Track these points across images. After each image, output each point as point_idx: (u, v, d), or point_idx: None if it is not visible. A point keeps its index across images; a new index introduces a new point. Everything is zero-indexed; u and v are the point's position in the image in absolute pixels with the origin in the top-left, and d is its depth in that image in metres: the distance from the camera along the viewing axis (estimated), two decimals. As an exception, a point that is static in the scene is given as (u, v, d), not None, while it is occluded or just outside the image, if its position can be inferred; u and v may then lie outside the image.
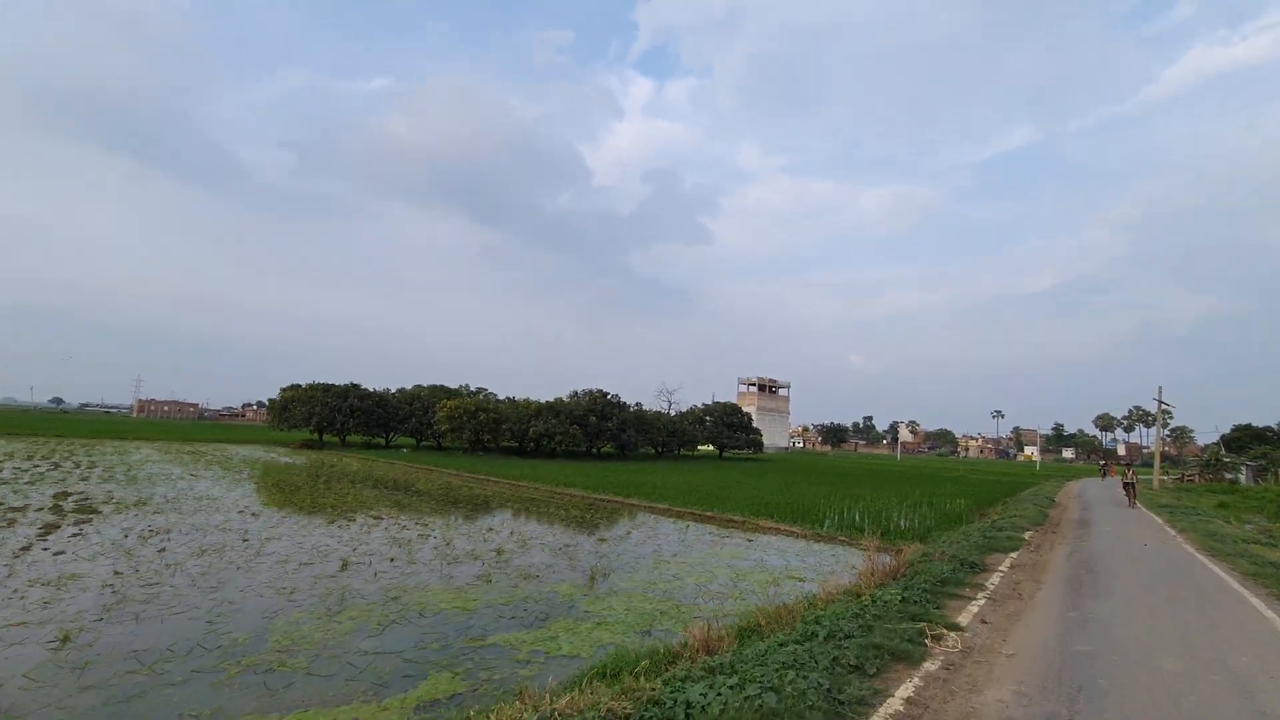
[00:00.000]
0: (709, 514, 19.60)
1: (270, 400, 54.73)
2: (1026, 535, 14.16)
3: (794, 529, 17.23)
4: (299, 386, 54.16)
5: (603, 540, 15.14)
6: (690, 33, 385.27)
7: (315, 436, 55.61)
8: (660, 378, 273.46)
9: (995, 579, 9.25)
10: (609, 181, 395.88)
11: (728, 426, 72.25)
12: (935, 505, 24.84)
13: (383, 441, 59.38)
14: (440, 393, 60.31)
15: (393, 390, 60.71)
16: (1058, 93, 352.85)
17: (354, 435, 55.94)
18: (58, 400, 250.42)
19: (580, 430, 51.71)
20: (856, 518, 19.43)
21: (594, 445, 55.33)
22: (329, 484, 24.99)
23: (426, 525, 16.09)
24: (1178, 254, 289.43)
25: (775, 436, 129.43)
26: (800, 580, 11.35)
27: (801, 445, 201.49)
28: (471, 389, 67.65)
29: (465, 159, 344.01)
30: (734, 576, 11.51)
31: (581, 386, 57.85)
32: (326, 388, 52.28)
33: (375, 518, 16.84)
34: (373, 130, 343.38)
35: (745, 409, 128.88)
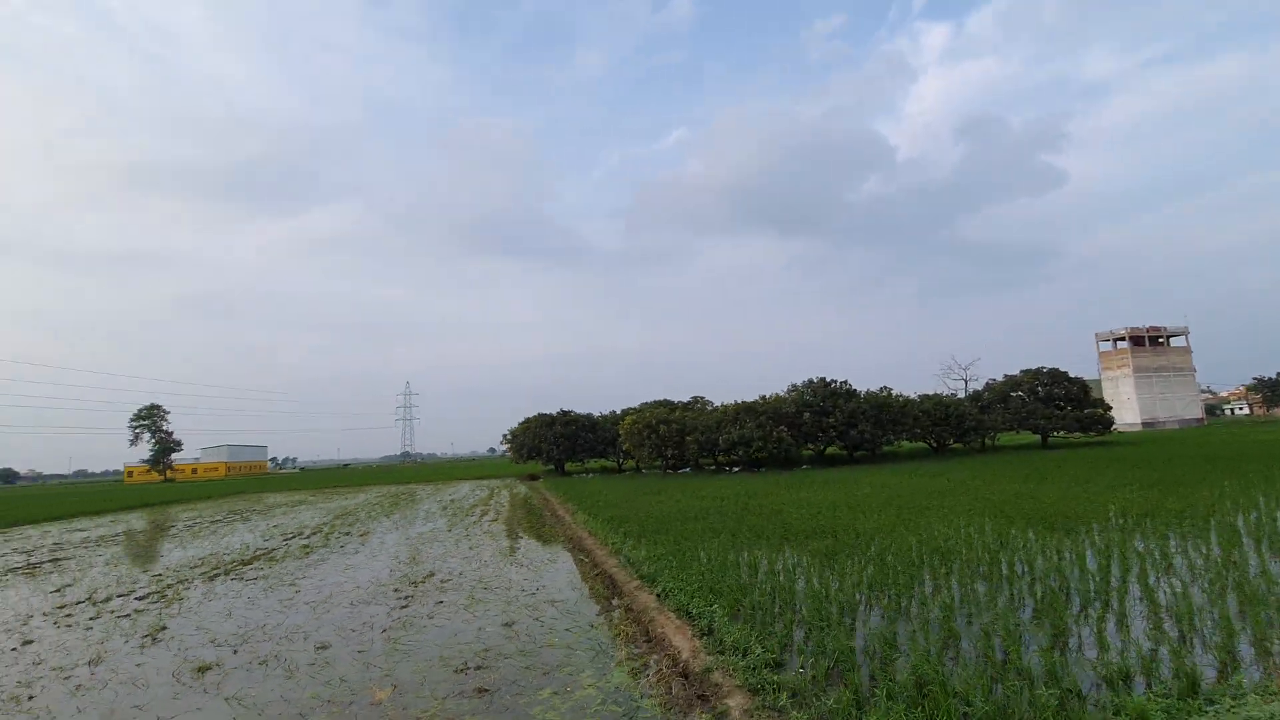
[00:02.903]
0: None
1: (505, 434, 57.92)
2: None
3: None
4: (528, 419, 56.22)
5: None
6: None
7: (549, 467, 56.83)
8: (1015, 359, 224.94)
9: None
10: (916, 153, 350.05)
11: (1046, 401, 51.00)
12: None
13: (615, 465, 57.90)
14: (660, 409, 56.10)
15: (617, 411, 58.95)
16: None
17: (577, 463, 55.50)
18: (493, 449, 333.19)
19: (787, 432, 41.18)
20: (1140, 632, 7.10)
21: (819, 447, 43.77)
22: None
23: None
24: None
25: (1170, 405, 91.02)
26: None
27: (1247, 410, 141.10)
28: (708, 402, 61.60)
29: (761, 179, 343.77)
30: None
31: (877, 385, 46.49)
32: (539, 417, 52.93)
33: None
34: (676, 181, 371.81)
35: (1112, 374, 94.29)
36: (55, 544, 22.37)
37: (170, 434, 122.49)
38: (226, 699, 6.47)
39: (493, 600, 10.26)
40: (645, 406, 59.32)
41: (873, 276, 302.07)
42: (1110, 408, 53.36)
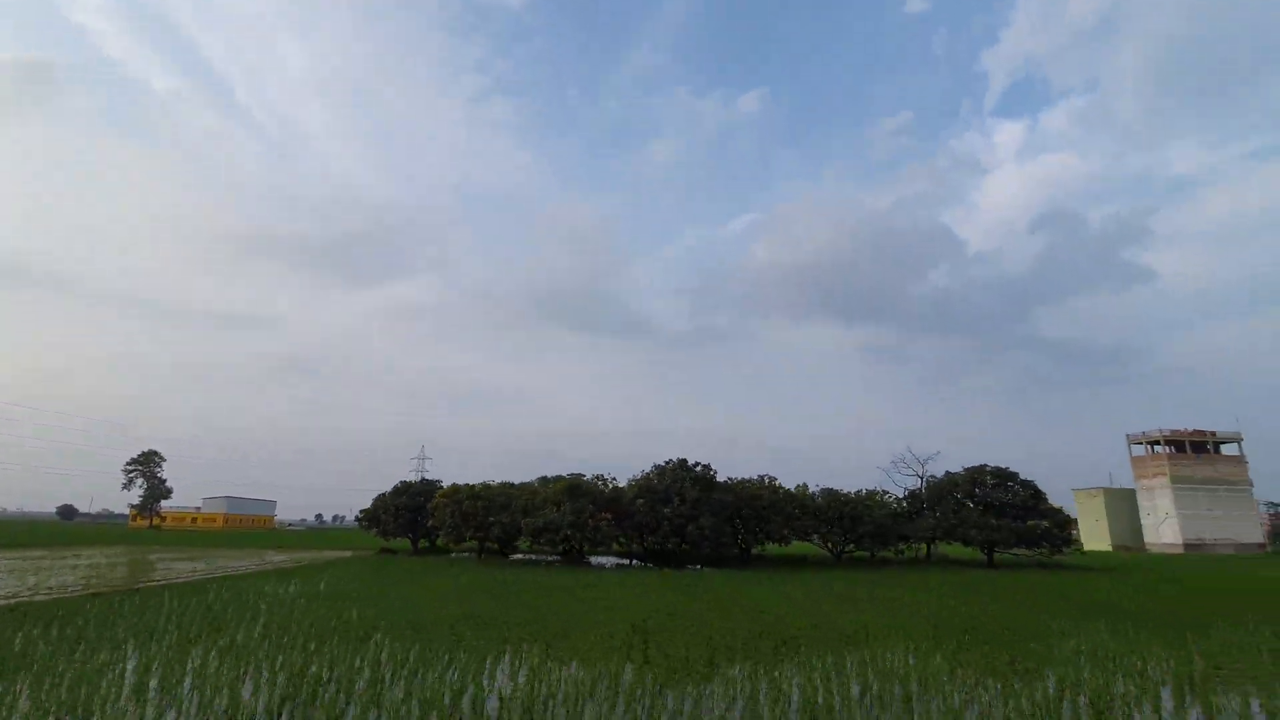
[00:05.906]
0: None
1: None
2: None
3: None
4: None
5: None
6: (1057, 55, 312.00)
7: (420, 542, 50.76)
8: (1097, 464, 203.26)
9: None
10: (988, 246, 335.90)
11: (987, 508, 41.44)
12: None
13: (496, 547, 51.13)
14: (559, 485, 49.60)
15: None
16: None
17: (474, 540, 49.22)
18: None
19: (612, 522, 34.21)
20: None
21: (663, 542, 36.24)
22: None
23: None
24: None
25: (1220, 526, 75.84)
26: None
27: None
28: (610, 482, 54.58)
29: (825, 266, 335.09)
30: None
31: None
32: (397, 486, 47.50)
33: None
34: (743, 264, 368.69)
35: (1147, 482, 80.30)
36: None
37: (163, 480, 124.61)
38: None
39: None
40: (545, 481, 53.07)
41: (946, 367, 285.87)
42: (1072, 521, 42.80)
